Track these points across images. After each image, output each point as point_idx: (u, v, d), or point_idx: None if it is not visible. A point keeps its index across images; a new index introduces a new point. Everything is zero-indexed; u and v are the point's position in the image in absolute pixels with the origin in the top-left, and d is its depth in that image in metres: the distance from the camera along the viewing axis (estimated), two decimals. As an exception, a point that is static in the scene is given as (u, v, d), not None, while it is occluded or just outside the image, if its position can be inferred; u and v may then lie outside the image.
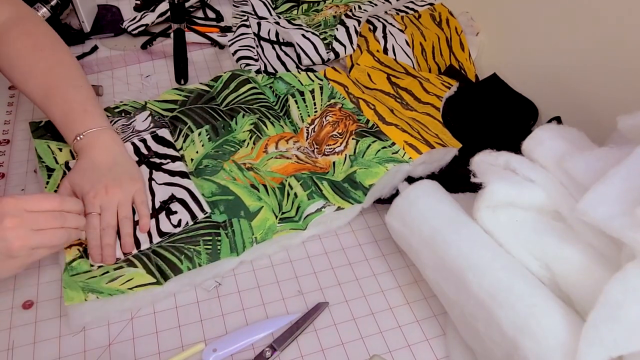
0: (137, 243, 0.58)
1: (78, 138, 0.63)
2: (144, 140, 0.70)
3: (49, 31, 0.69)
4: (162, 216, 0.61)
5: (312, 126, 0.76)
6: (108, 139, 0.64)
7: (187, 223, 0.61)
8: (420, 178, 0.68)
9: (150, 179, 0.66)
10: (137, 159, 0.67)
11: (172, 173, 0.66)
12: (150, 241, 0.59)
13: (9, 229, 0.47)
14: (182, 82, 0.88)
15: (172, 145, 0.70)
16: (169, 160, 0.68)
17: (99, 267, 0.56)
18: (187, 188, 0.64)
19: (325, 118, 0.76)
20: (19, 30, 0.67)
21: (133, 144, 0.69)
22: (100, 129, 0.64)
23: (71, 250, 0.57)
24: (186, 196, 0.63)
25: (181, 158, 0.69)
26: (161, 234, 0.60)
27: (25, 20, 0.68)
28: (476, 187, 0.56)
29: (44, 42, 0.68)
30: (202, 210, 0.62)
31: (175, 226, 0.60)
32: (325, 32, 0.95)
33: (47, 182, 0.65)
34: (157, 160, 0.68)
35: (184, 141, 0.72)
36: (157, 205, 0.63)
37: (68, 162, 0.67)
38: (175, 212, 0.62)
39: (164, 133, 0.72)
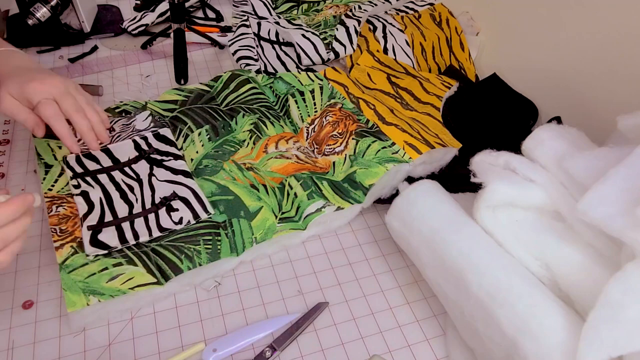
0: (136, 235, 0.59)
1: None
2: (145, 138, 0.70)
3: None
4: (163, 212, 0.61)
5: (312, 126, 0.76)
6: (24, 55, 0.63)
7: (188, 221, 0.61)
8: (420, 178, 0.68)
9: (151, 175, 0.66)
10: (137, 154, 0.68)
11: (175, 171, 0.66)
12: (150, 235, 0.59)
13: None
14: (182, 82, 0.88)
15: (174, 144, 0.71)
16: (171, 158, 0.68)
17: (96, 258, 0.56)
18: (190, 188, 0.64)
19: (325, 118, 0.76)
20: None
21: (134, 140, 0.69)
22: (12, 50, 0.62)
23: (63, 249, 0.57)
24: (189, 195, 0.63)
25: (183, 157, 0.69)
26: (161, 229, 0.60)
27: None
28: (476, 187, 0.56)
29: None
30: (206, 211, 0.62)
31: (176, 223, 0.60)
32: (325, 32, 0.95)
33: (44, 178, 0.65)
34: (158, 157, 0.68)
35: (184, 141, 0.73)
36: (158, 200, 0.63)
37: (66, 157, 0.67)
38: (177, 210, 0.62)
39: (166, 132, 0.72)
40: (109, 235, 0.58)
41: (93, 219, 0.60)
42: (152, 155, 0.68)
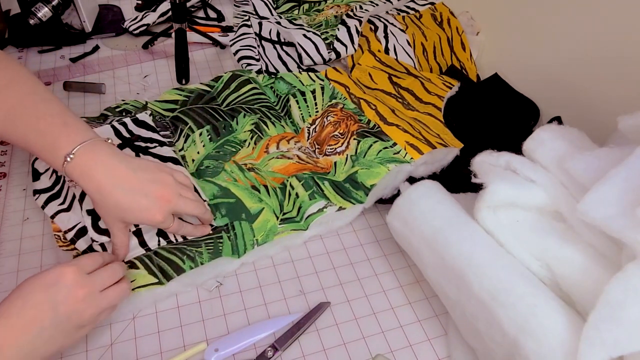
0: (144, 243, 0.58)
1: (68, 159, 0.51)
2: (124, 124, 0.69)
3: None
4: None
5: (313, 126, 0.76)
6: (104, 151, 0.54)
7: None
8: (422, 178, 0.68)
9: None
10: (119, 142, 0.66)
11: (163, 159, 0.66)
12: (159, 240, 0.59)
13: (81, 300, 0.46)
14: (184, 82, 0.88)
15: (155, 130, 0.70)
16: (156, 144, 0.67)
17: None
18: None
19: (326, 118, 0.76)
20: None
21: (113, 127, 0.68)
22: (91, 142, 0.53)
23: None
24: None
25: (168, 144, 0.68)
26: None
27: None
28: (477, 188, 0.56)
29: None
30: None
31: None
32: (327, 32, 0.95)
33: None
34: (142, 144, 0.67)
35: (185, 141, 0.72)
36: None
37: None
38: None
39: (144, 117, 0.71)
40: None
41: (89, 204, 0.59)
42: (135, 143, 0.66)
